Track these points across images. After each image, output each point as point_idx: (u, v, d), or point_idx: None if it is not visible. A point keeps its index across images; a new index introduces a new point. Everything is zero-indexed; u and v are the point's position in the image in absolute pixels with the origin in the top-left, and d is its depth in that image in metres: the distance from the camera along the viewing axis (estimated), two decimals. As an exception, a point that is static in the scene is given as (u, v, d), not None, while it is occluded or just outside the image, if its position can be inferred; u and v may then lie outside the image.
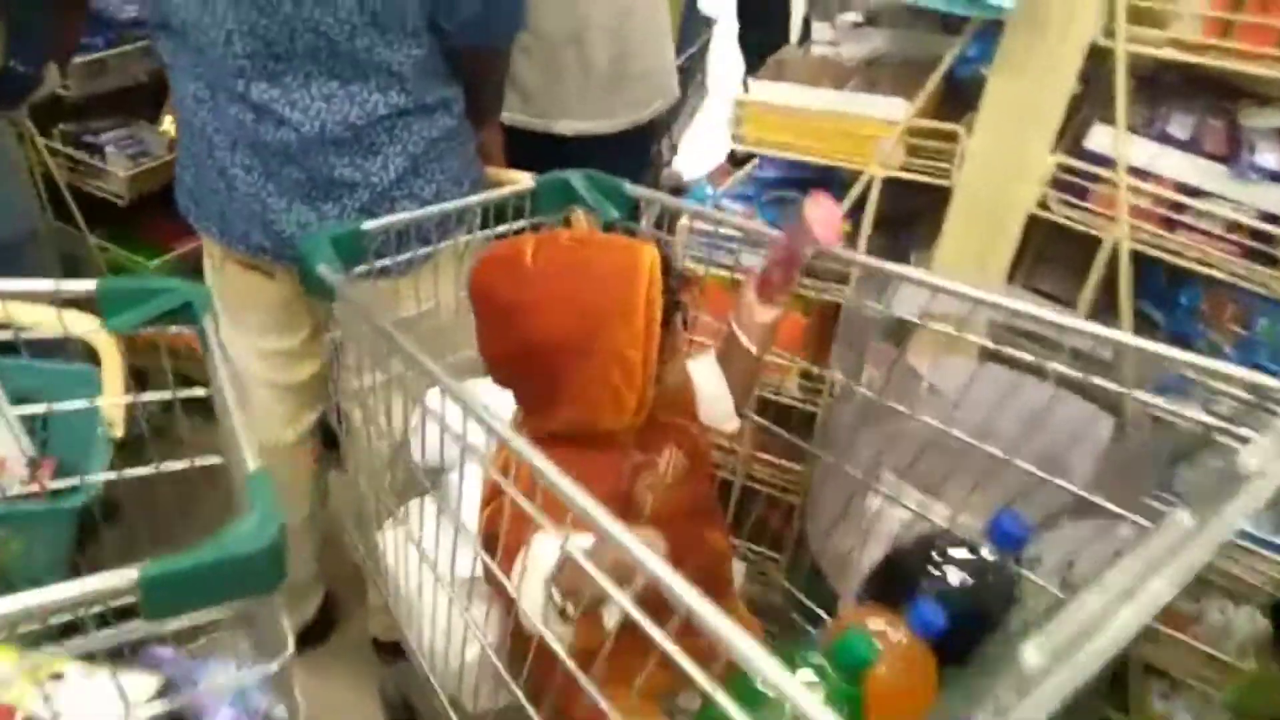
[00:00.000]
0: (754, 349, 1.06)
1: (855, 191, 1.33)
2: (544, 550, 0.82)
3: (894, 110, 1.28)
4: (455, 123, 1.28)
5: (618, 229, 1.26)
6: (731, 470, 1.43)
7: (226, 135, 1.19)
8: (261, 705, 0.96)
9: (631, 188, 1.26)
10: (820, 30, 1.58)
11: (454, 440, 0.82)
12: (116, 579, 0.59)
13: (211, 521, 0.65)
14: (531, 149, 1.63)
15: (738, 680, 0.81)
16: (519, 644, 0.88)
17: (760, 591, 1.37)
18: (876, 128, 1.29)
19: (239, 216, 1.24)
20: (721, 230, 1.32)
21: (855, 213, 1.36)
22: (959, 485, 1.06)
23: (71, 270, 2.10)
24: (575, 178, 1.27)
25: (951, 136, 1.25)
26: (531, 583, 0.82)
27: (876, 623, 0.89)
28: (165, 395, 0.98)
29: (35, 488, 1.15)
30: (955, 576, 0.95)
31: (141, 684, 0.85)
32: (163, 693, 0.85)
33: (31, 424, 1.16)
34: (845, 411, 1.23)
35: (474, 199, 1.21)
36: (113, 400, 1.15)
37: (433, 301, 1.27)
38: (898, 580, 1.00)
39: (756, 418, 1.30)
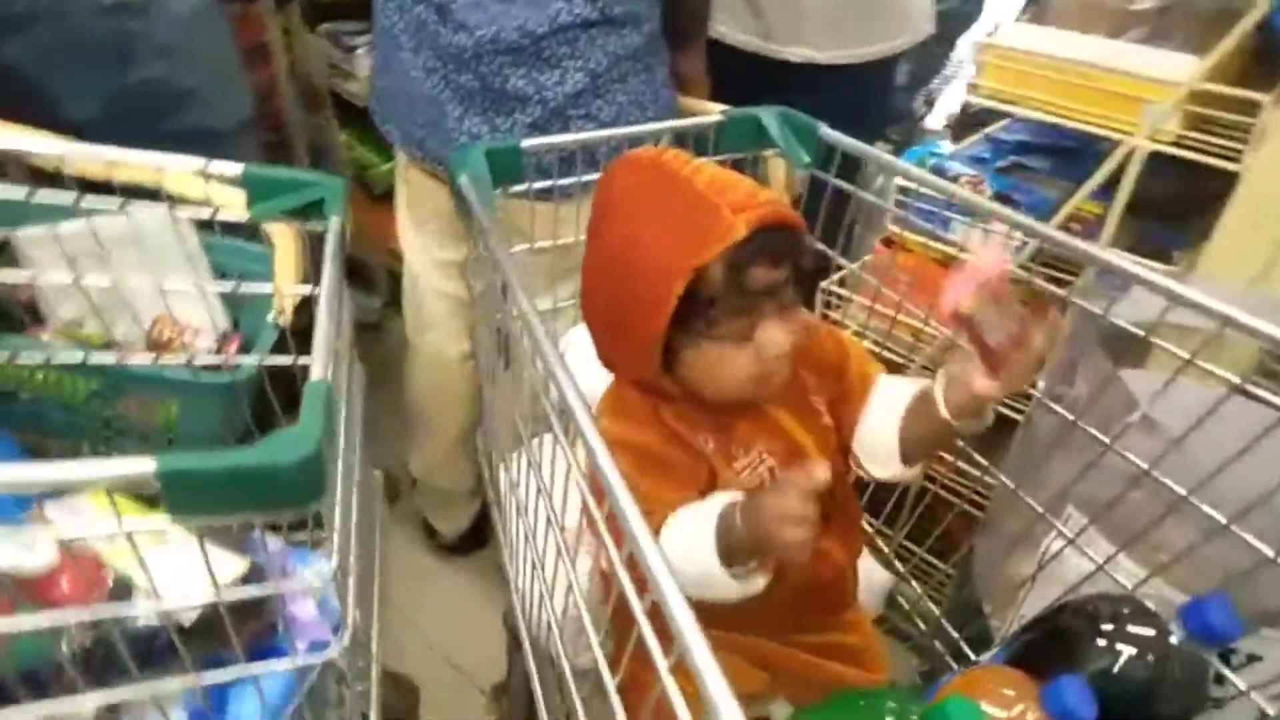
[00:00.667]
0: (955, 422, 0.82)
1: (1109, 166, 1.09)
2: (694, 521, 0.74)
3: (1176, 68, 1.02)
4: (644, 41, 1.18)
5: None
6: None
7: (411, 37, 1.17)
8: (357, 619, 0.96)
9: (828, 132, 1.10)
10: (1109, -33, 1.31)
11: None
12: (135, 465, 0.57)
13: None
14: (758, 77, 1.48)
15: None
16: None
17: (913, 608, 1.21)
18: (1150, 89, 1.04)
19: (418, 122, 1.23)
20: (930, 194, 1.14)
21: (1105, 193, 1.12)
22: (1164, 545, 0.84)
23: (317, 161, 2.26)
24: (767, 114, 1.13)
25: (1250, 107, 0.98)
26: (696, 554, 0.72)
27: (1000, 694, 0.72)
28: (305, 289, 0.99)
29: (221, 359, 1.22)
30: (1126, 657, 0.76)
31: (231, 565, 0.87)
32: (249, 578, 0.86)
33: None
34: (1042, 427, 1.02)
35: (651, 127, 1.10)
36: (289, 288, 1.19)
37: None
38: (1054, 641, 0.81)
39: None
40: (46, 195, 0.88)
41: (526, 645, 1.03)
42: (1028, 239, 1.19)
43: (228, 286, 1.14)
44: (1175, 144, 1.05)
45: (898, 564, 1.21)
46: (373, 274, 2.39)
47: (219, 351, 1.22)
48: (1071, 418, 0.88)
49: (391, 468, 1.81)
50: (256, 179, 0.92)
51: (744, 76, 1.35)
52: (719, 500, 0.74)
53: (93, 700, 0.75)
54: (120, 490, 0.58)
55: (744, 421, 0.84)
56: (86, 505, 0.86)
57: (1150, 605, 0.79)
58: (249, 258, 1.19)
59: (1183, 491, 0.78)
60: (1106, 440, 0.84)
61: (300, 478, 0.61)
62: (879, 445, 0.88)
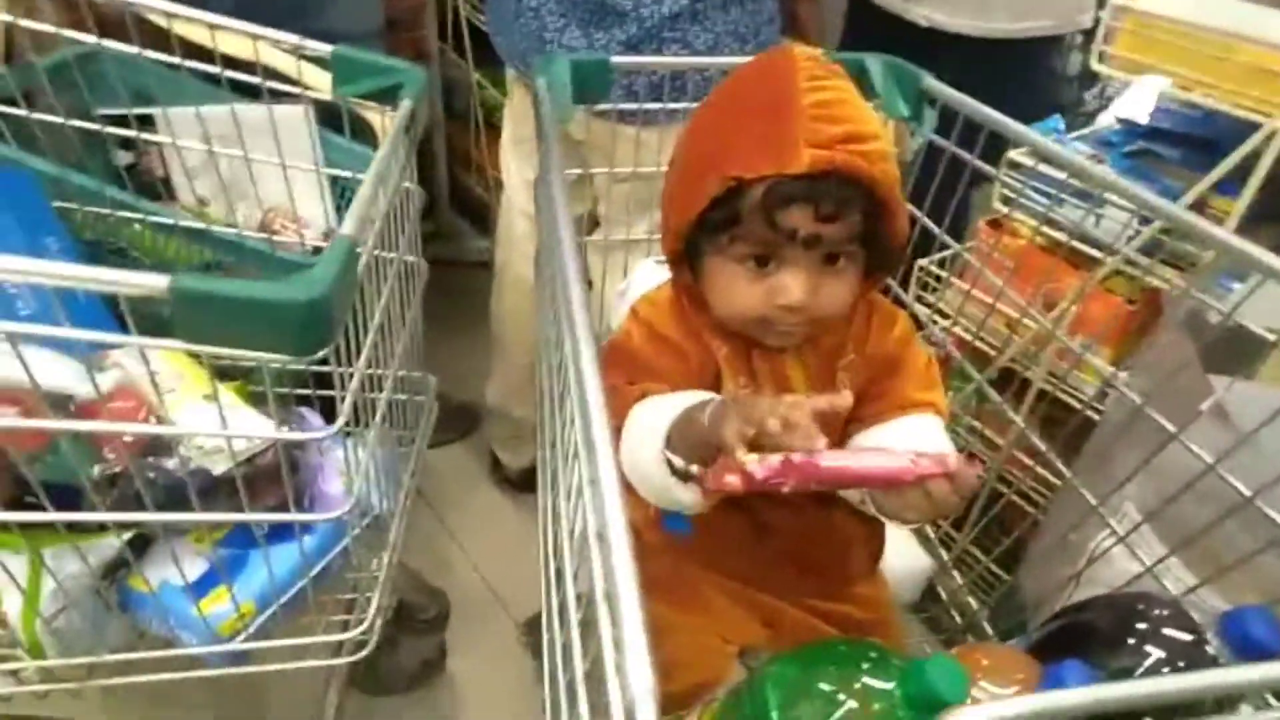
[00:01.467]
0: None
1: (1244, 149, 0.98)
2: (650, 418, 0.72)
3: (1333, 43, 0.91)
4: None
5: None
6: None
7: None
8: (375, 502, 0.99)
9: (933, 84, 1.03)
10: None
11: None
12: (150, 280, 0.60)
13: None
14: (892, 40, 1.42)
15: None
16: None
17: (952, 599, 1.14)
18: (1301, 66, 0.93)
19: (521, 33, 1.24)
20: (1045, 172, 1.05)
21: (1235, 185, 1.02)
22: (1221, 553, 0.76)
23: (449, 97, 2.32)
24: (873, 60, 1.08)
25: None
26: (648, 426, 0.71)
27: (997, 670, 0.67)
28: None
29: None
30: (1154, 659, 0.69)
31: (262, 426, 0.90)
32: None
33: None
34: (1112, 420, 0.94)
35: (743, 60, 1.08)
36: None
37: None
38: (1079, 632, 0.75)
39: (1014, 415, 1.05)
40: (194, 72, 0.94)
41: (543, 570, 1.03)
42: (1141, 227, 1.10)
43: (337, 173, 1.19)
44: (1322, 130, 0.93)
45: (942, 552, 1.14)
46: (489, 214, 2.44)
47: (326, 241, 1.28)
48: (1139, 400, 0.80)
49: (475, 400, 1.85)
50: (343, 60, 0.95)
51: (878, 38, 1.29)
52: (697, 394, 0.72)
53: (111, 518, 0.80)
54: (130, 299, 0.61)
55: (759, 354, 0.81)
56: (163, 368, 0.92)
57: (1192, 614, 0.72)
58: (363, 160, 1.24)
59: (1247, 493, 0.70)
60: (1171, 428, 0.76)
61: (306, 317, 0.63)
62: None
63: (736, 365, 0.80)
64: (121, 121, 1.07)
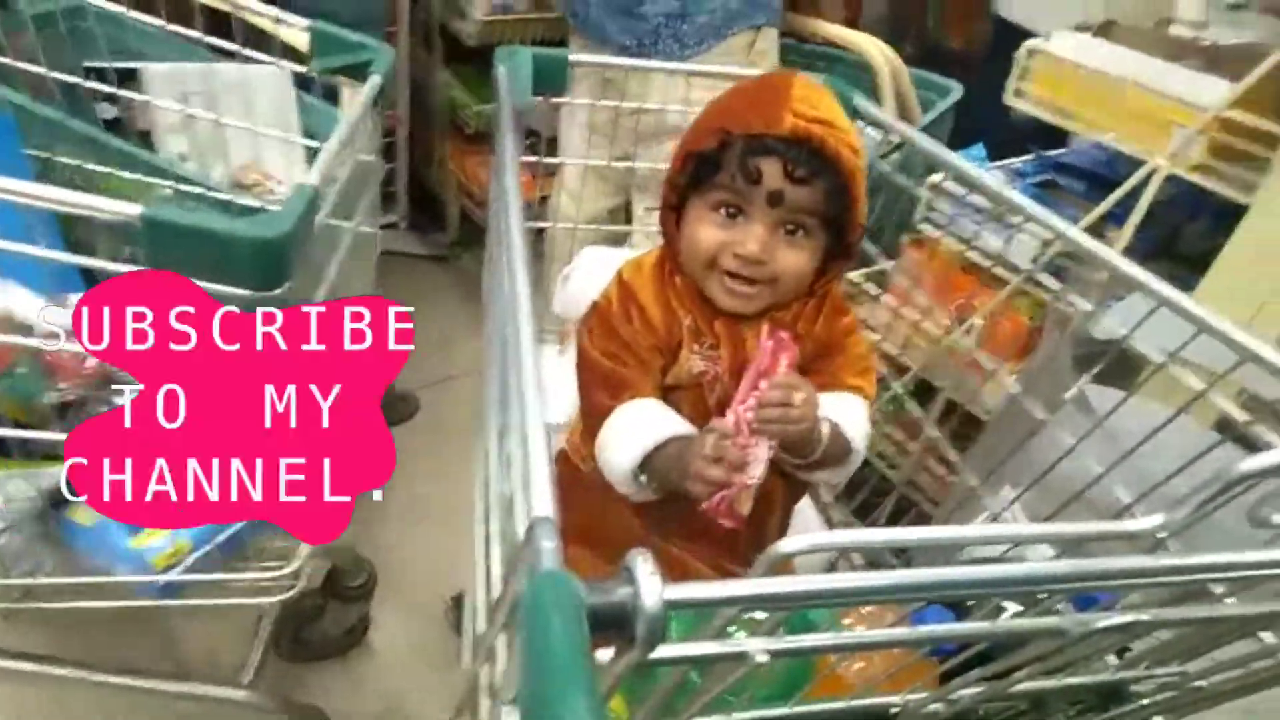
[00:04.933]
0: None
1: (1131, 183, 1.10)
2: (638, 423, 0.85)
3: (1208, 93, 1.03)
4: None
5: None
6: (890, 465, 1.29)
7: None
8: None
9: (865, 105, 1.13)
10: (1188, 7, 1.31)
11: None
12: (123, 207, 0.66)
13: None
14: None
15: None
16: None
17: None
18: (1182, 113, 1.05)
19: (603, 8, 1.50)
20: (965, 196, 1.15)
21: (1123, 214, 1.13)
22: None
23: (418, 94, 2.38)
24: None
25: (1271, 140, 0.98)
26: (625, 444, 0.85)
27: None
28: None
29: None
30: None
31: None
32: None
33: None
34: (999, 414, 1.04)
35: (701, 69, 1.20)
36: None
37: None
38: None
39: (929, 425, 1.14)
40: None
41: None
42: (1046, 245, 1.20)
43: (308, 143, 1.24)
44: (1197, 170, 1.05)
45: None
46: (446, 210, 2.50)
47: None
48: (1015, 390, 0.90)
49: (413, 389, 1.91)
50: (321, 35, 1.02)
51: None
52: (671, 425, 0.85)
53: (59, 438, 0.84)
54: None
55: (721, 322, 0.90)
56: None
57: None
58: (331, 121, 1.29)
59: (1099, 469, 0.80)
60: (1043, 416, 0.86)
61: (263, 253, 0.69)
62: None
63: (699, 334, 0.89)
64: (103, 75, 1.12)
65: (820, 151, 0.80)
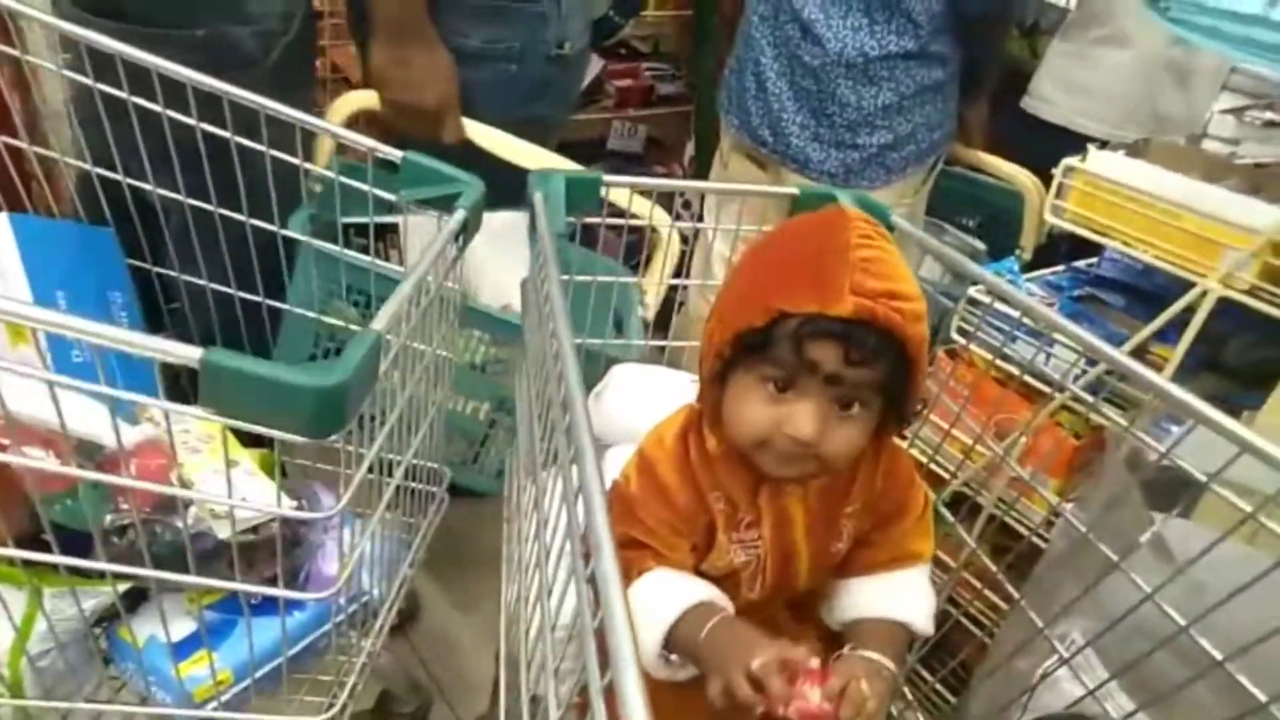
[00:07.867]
0: None
1: (1179, 305, 1.07)
2: (658, 594, 0.78)
3: (1259, 215, 1.01)
4: (944, 76, 1.55)
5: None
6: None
7: (773, 47, 1.60)
8: (367, 586, 0.99)
9: (900, 223, 1.11)
10: (1221, 124, 1.31)
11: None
12: (183, 350, 0.62)
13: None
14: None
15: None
16: None
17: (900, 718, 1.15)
18: (1232, 235, 1.03)
19: (757, 113, 1.64)
20: (1000, 308, 1.13)
21: (1174, 333, 1.10)
22: (1159, 681, 0.79)
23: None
24: (843, 196, 1.16)
25: (1329, 266, 0.96)
26: (646, 623, 0.76)
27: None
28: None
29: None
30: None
31: (265, 499, 0.89)
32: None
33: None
34: (1057, 549, 0.99)
35: (717, 186, 1.19)
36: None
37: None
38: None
39: (966, 536, 1.10)
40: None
41: (501, 671, 1.02)
42: (1087, 367, 1.17)
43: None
44: (1249, 292, 1.02)
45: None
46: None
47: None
48: (1084, 529, 0.85)
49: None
50: (411, 165, 1.01)
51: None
52: (698, 592, 0.78)
53: (112, 569, 0.79)
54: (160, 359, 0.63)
55: (760, 500, 0.84)
56: (194, 428, 0.93)
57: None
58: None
59: (1181, 621, 0.75)
60: (1114, 557, 0.81)
61: (321, 402, 0.65)
62: (841, 613, 0.90)
63: (735, 518, 0.83)
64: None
65: (886, 332, 0.72)
